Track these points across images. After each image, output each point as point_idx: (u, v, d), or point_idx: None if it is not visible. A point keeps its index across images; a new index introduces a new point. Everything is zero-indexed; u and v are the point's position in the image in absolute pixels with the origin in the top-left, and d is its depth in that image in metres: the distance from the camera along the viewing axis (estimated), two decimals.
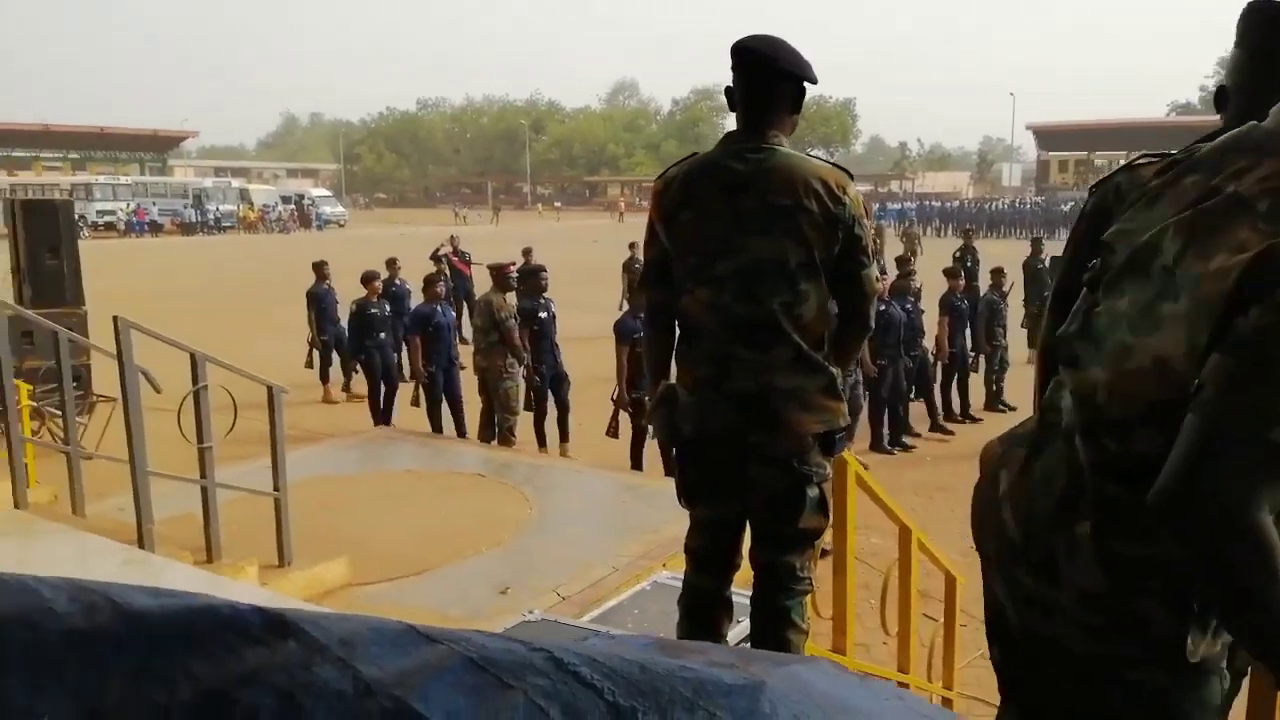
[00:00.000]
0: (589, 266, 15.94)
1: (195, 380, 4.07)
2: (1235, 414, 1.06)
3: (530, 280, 8.12)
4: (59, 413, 6.79)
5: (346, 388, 10.51)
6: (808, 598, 2.48)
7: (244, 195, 50.97)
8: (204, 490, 4.19)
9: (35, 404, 6.81)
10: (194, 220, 45.45)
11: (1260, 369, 1.06)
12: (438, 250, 14.70)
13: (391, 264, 11.52)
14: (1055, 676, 1.32)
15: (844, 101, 73.50)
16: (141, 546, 3.91)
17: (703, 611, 2.55)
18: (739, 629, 2.71)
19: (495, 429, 7.90)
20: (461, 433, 8.40)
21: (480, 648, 0.65)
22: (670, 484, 6.30)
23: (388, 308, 9.78)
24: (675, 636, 2.60)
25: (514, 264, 8.47)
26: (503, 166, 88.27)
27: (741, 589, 2.61)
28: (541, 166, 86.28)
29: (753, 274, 2.26)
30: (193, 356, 4.05)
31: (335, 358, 10.67)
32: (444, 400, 8.45)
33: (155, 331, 3.98)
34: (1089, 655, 1.27)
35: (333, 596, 4.46)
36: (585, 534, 5.50)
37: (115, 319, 3.81)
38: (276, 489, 4.53)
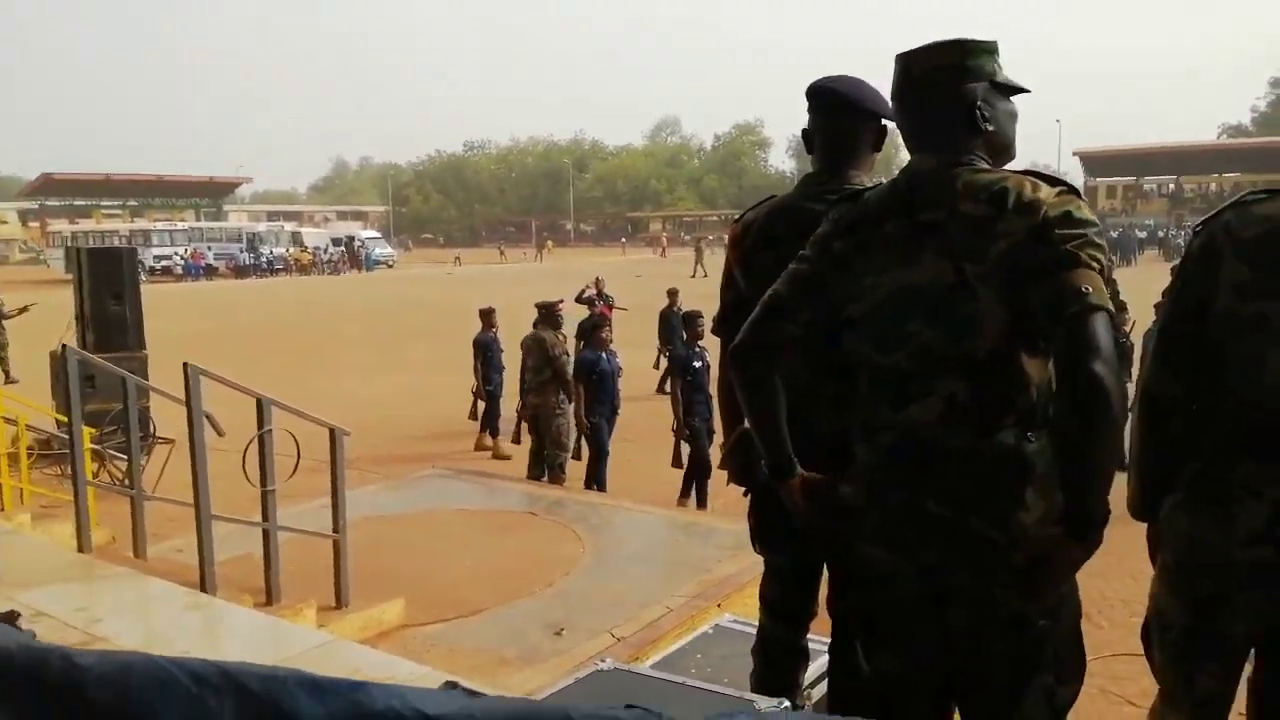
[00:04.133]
0: (637, 302, 14.98)
1: (260, 423, 4.11)
2: None
3: (690, 327, 7.72)
4: (119, 455, 6.94)
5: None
6: None
7: (296, 238, 51.97)
8: (265, 533, 4.22)
9: (97, 446, 6.95)
10: (247, 263, 46.44)
11: None
12: (583, 292, 13.43)
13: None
14: None
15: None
16: (203, 590, 3.95)
17: (778, 661, 2.48)
18: (814, 669, 2.63)
19: (545, 467, 7.90)
20: (601, 484, 7.76)
21: None
22: (722, 523, 6.28)
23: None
24: (749, 684, 2.54)
25: (562, 301, 8.45)
26: (547, 204, 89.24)
27: (818, 635, 2.54)
28: (585, 204, 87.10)
29: None
30: (259, 401, 4.11)
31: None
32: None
33: (223, 377, 4.04)
34: None
35: (388, 638, 4.46)
36: (638, 573, 5.44)
37: (185, 365, 3.88)
38: (336, 531, 4.55)
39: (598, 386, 7.66)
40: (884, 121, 2.30)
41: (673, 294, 12.75)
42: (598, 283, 13.87)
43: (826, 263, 1.85)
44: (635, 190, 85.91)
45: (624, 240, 70.14)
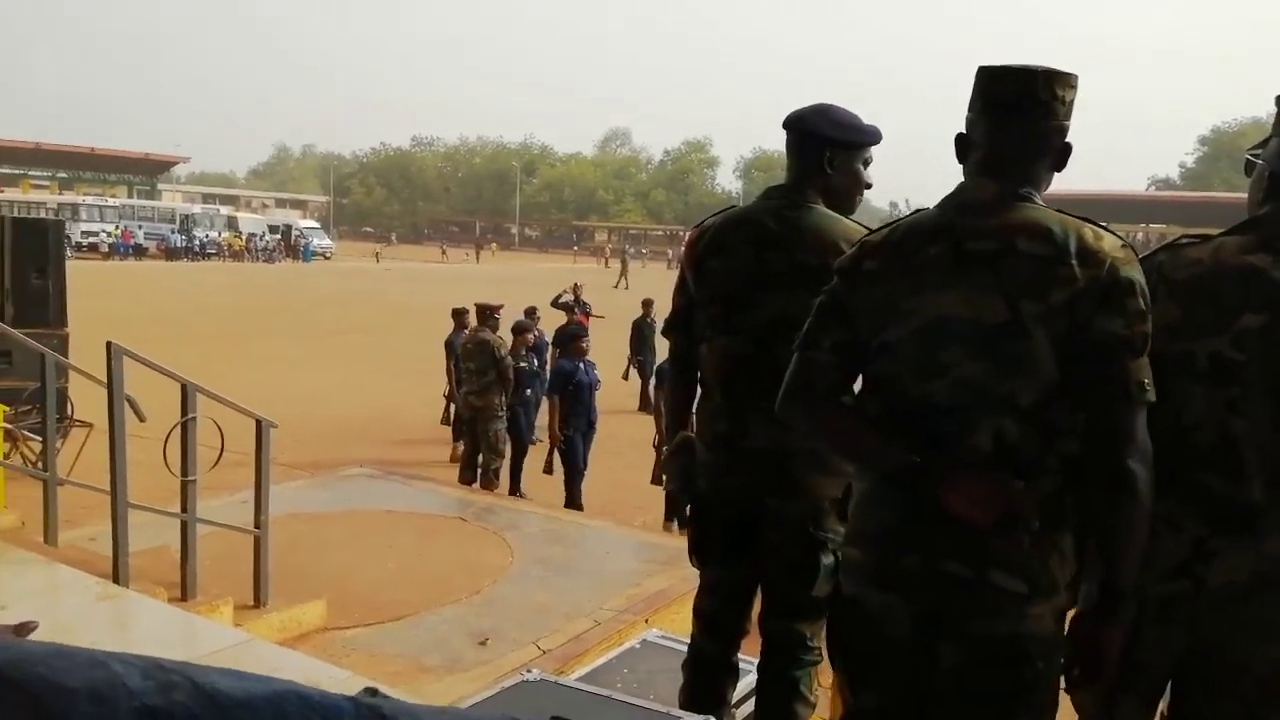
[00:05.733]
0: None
1: (185, 411, 3.98)
2: None
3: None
4: (34, 436, 6.67)
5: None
6: (816, 668, 2.42)
7: (231, 223, 50.78)
8: (183, 525, 4.08)
9: (10, 426, 6.66)
10: (179, 245, 45.20)
11: None
12: (559, 297, 12.74)
13: (530, 314, 9.88)
14: None
15: None
16: (116, 581, 3.80)
17: (709, 677, 2.48)
18: (742, 687, 2.63)
19: (477, 471, 7.81)
20: (577, 503, 7.50)
21: None
22: (653, 537, 6.27)
23: (536, 361, 8.80)
24: (676, 700, 2.53)
25: (502, 306, 8.35)
26: (492, 207, 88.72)
27: (747, 656, 2.54)
28: (531, 208, 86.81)
29: (773, 329, 2.23)
30: (184, 387, 3.97)
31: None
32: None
33: (148, 359, 3.90)
34: None
35: (308, 640, 4.34)
36: (565, 584, 5.40)
37: (109, 345, 3.74)
38: (257, 526, 4.43)
39: (573, 399, 7.45)
40: (838, 147, 2.32)
41: (647, 304, 12.37)
42: (575, 288, 13.15)
43: (852, 283, 1.78)
44: (582, 199, 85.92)
45: (575, 248, 70.29)
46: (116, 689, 0.59)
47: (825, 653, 2.39)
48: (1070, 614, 1.72)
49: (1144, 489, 1.57)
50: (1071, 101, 1.72)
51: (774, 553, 2.31)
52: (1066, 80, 1.71)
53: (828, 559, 2.27)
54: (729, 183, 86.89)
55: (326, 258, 50.41)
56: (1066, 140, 1.75)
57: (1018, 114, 1.71)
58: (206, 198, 71.64)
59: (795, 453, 2.22)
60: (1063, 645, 1.68)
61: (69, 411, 7.49)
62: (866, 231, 2.28)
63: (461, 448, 8.57)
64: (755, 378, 2.26)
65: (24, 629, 3.24)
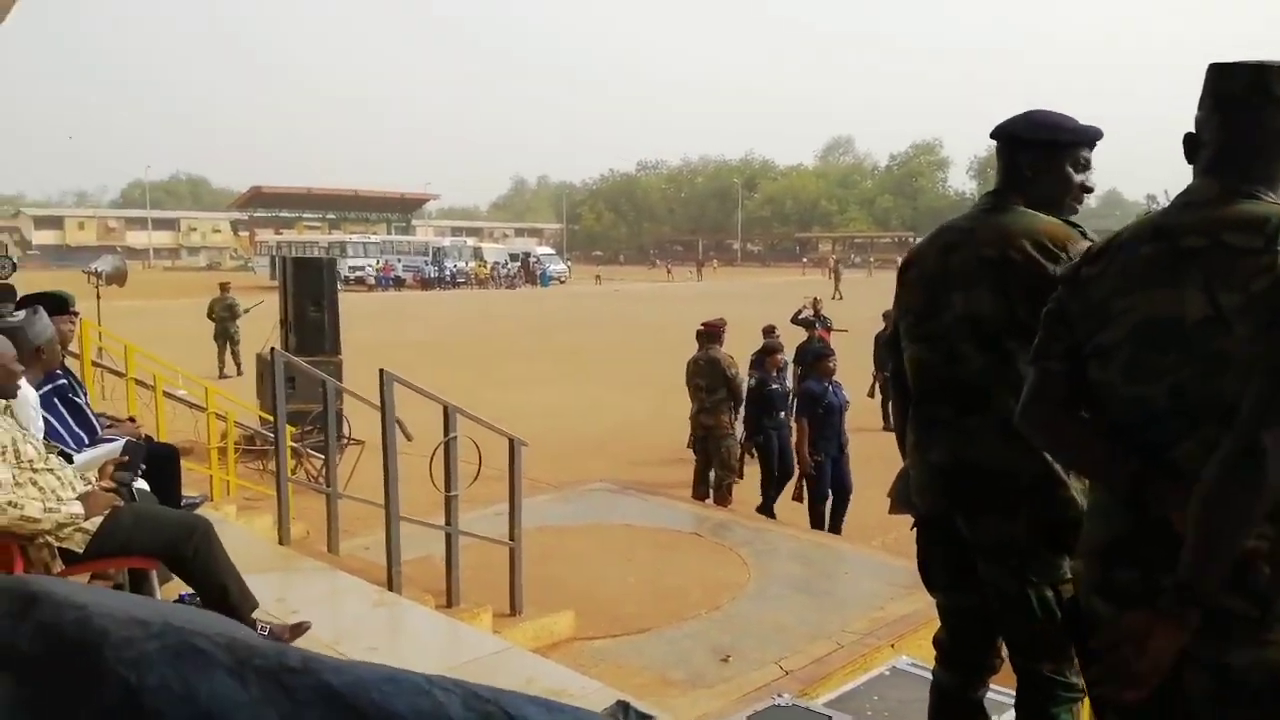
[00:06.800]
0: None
1: (446, 430, 4.28)
2: None
3: None
4: (316, 454, 7.41)
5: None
6: (1080, 704, 2.21)
7: (477, 253, 54.37)
8: (448, 537, 4.38)
9: (296, 445, 7.43)
10: (432, 276, 48.84)
11: None
12: (799, 313, 12.17)
13: (769, 332, 9.52)
14: None
15: None
16: (390, 588, 4.13)
17: (948, 710, 2.33)
18: None
19: (709, 487, 7.86)
20: (837, 527, 7.27)
21: None
22: (896, 559, 6.07)
23: (786, 381, 8.51)
24: None
25: (723, 320, 8.31)
26: (714, 224, 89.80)
27: (1003, 688, 2.38)
28: (753, 223, 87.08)
29: (957, 331, 2.13)
30: (445, 409, 4.28)
31: None
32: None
33: (415, 385, 4.23)
34: None
35: (560, 649, 4.53)
36: (805, 604, 5.33)
37: (381, 372, 4.09)
38: (512, 539, 4.68)
39: (823, 421, 7.25)
40: (1040, 148, 2.18)
41: (888, 316, 12.00)
42: (815, 303, 12.56)
43: (1072, 289, 1.72)
44: (805, 210, 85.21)
45: (805, 260, 70.18)
46: (439, 717, 0.64)
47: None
48: None
49: (1270, 473, 1.36)
50: None
51: (987, 584, 2.13)
52: (1264, 75, 1.55)
53: (1043, 593, 2.06)
54: (962, 183, 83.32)
55: (562, 282, 52.86)
56: None
57: (1248, 110, 1.59)
58: (454, 230, 77.29)
59: (977, 469, 2.07)
60: None
61: (346, 431, 8.26)
62: (1065, 226, 2.14)
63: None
64: (940, 385, 2.18)
65: (299, 629, 3.57)
